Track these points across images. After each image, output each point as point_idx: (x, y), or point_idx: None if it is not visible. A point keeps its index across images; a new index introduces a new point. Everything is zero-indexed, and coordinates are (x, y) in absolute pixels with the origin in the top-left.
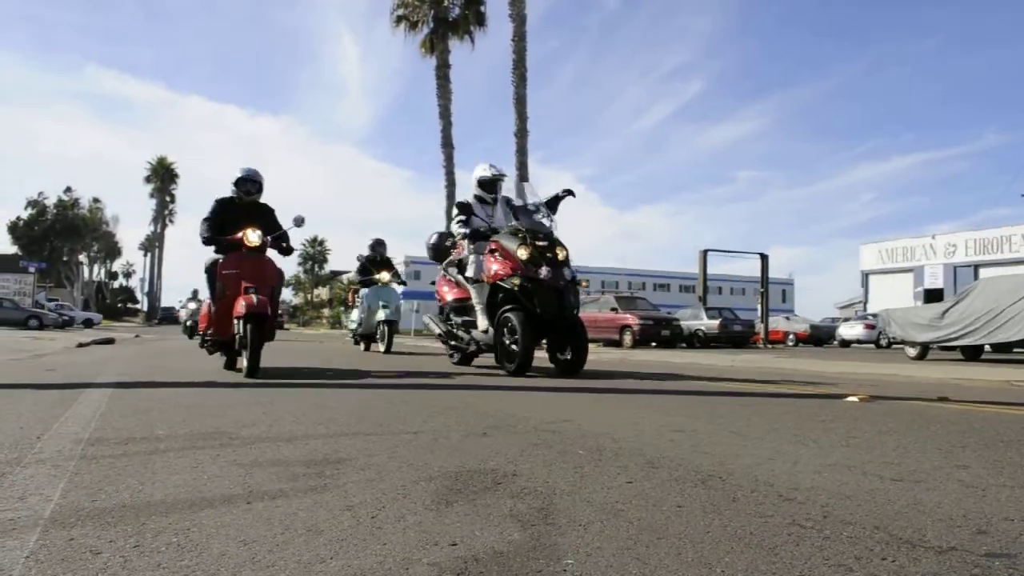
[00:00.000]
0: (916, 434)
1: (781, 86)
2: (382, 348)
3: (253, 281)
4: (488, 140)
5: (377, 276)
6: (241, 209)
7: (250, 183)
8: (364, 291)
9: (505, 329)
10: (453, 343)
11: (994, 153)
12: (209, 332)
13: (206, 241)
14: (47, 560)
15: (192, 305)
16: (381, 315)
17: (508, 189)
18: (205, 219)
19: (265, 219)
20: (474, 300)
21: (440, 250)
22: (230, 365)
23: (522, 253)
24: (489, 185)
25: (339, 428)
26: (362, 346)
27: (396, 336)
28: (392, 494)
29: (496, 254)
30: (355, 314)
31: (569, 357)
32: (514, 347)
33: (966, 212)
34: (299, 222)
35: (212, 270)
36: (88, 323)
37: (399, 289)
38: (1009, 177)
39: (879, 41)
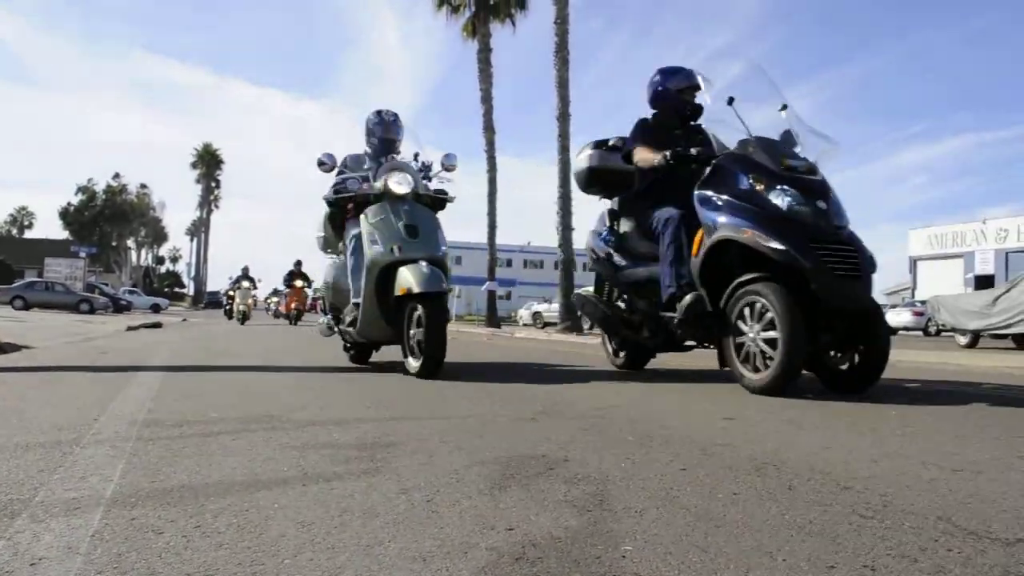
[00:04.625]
0: (973, 424)
1: (828, 65)
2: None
3: None
4: (529, 124)
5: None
6: None
7: None
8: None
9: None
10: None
11: None
12: None
13: None
14: (111, 539)
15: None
16: None
17: None
18: None
19: None
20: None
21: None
22: None
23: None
24: None
25: (388, 412)
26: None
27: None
28: (445, 478)
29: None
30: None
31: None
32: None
33: (1022, 196)
34: None
35: None
36: (156, 308)
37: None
38: None
39: (932, 13)
